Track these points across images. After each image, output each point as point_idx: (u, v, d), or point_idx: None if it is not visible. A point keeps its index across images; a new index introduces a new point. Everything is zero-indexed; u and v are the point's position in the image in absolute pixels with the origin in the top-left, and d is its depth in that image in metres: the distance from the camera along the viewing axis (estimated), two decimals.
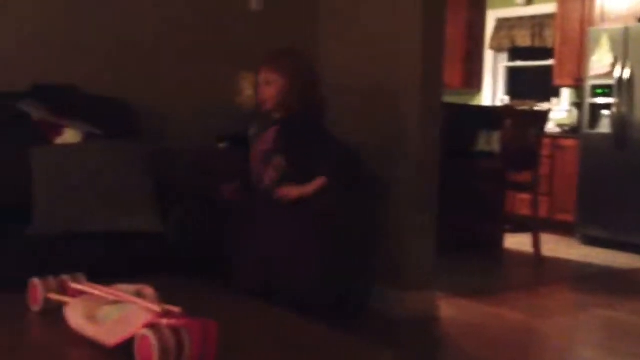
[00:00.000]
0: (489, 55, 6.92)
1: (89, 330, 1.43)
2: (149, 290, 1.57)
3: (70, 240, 2.24)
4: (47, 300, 1.62)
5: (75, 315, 1.47)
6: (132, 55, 3.29)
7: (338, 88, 3.43)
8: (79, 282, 1.65)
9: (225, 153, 3.29)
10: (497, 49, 6.84)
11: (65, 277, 1.68)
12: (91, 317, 1.45)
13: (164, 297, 1.54)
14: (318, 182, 2.43)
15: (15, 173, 2.52)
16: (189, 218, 2.46)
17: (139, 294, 1.55)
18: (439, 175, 3.32)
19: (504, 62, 6.94)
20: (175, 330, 1.32)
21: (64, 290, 1.64)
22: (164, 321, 1.36)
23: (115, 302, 1.50)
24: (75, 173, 2.46)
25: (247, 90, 3.58)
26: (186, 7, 3.47)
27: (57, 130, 2.64)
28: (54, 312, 1.59)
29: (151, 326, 1.33)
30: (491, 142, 4.86)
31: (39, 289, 1.63)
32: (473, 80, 6.89)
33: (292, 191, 2.43)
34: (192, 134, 3.35)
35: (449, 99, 4.35)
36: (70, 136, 2.65)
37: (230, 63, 3.57)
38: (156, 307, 1.41)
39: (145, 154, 2.68)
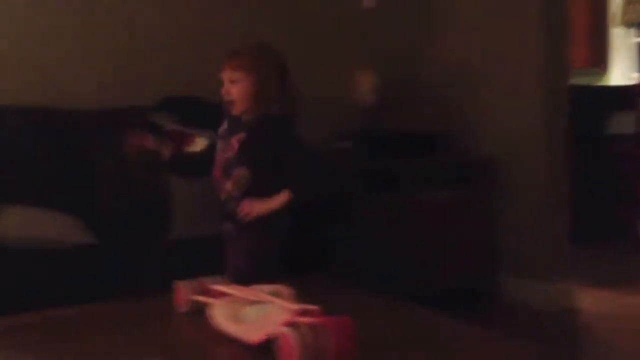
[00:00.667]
0: (616, 31, 6.54)
1: (232, 329, 1.49)
2: (286, 290, 1.61)
3: (207, 243, 2.33)
4: (192, 302, 1.71)
5: (219, 315, 1.54)
6: None
7: (454, 84, 3.39)
8: (219, 284, 1.72)
9: (346, 151, 3.32)
10: (628, 24, 6.45)
11: (206, 279, 1.76)
12: (234, 317, 1.51)
13: (299, 296, 1.59)
14: (282, 198, 2.10)
15: (151, 183, 2.67)
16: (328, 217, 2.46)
17: (276, 294, 1.59)
18: (570, 161, 3.19)
19: (633, 38, 6.54)
20: (314, 328, 1.35)
21: (205, 291, 1.71)
22: (303, 320, 1.39)
23: (255, 302, 1.55)
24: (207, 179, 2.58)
25: (364, 88, 3.60)
26: (300, 8, 3.54)
27: (187, 139, 2.78)
28: (198, 312, 1.67)
29: (291, 325, 1.36)
30: (624, 123, 4.61)
31: (184, 291, 1.72)
32: (599, 57, 6.54)
33: (255, 208, 2.09)
34: (311, 133, 3.40)
35: (574, 80, 4.18)
36: (199, 144, 2.78)
37: (345, 61, 3.61)
38: (295, 306, 1.45)
39: None
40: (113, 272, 2.16)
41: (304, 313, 1.43)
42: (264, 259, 2.10)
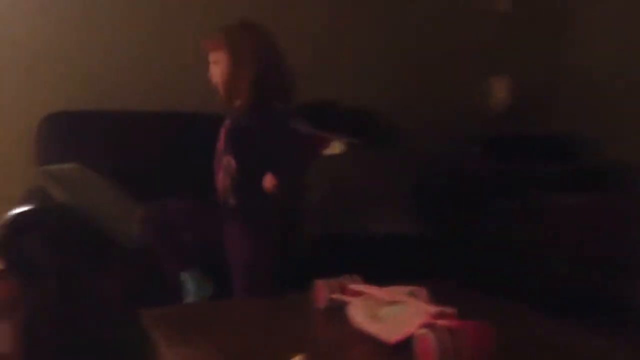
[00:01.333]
0: None
1: (371, 327, 1.55)
2: (422, 292, 1.65)
3: (344, 243, 2.42)
4: (331, 300, 1.78)
5: (358, 314, 1.60)
6: (384, 66, 3.46)
7: (592, 88, 3.28)
8: (356, 283, 1.79)
9: (480, 156, 3.31)
10: None
11: (343, 278, 1.83)
12: (372, 316, 1.57)
13: (433, 298, 1.62)
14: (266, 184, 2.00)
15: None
16: (459, 222, 2.51)
17: (412, 295, 1.64)
18: None
19: None
20: (452, 331, 1.38)
21: (343, 290, 1.79)
22: (440, 322, 1.42)
23: (393, 302, 1.60)
24: (343, 180, 2.68)
25: (499, 93, 3.57)
26: (435, 12, 3.55)
27: (325, 143, 2.89)
28: (336, 310, 1.74)
29: (429, 326, 1.40)
30: None
31: (323, 289, 1.80)
32: None
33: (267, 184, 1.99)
34: (445, 139, 3.42)
35: None
36: (335, 147, 2.88)
37: (479, 66, 3.59)
38: (432, 308, 1.48)
39: (403, 160, 2.82)
40: None
41: (440, 315, 1.46)
42: (265, 255, 2.06)
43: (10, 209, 2.27)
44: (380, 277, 1.81)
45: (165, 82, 3.12)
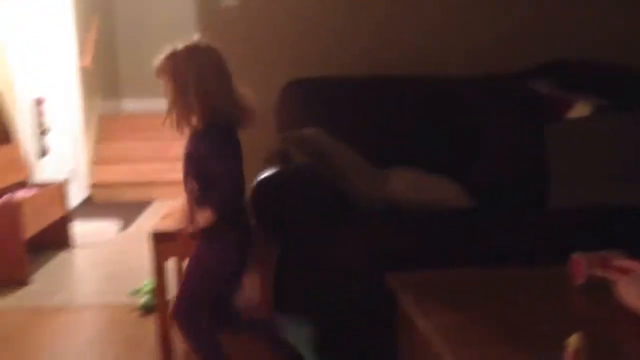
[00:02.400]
0: None
1: None
2: None
3: (586, 215, 2.25)
4: (590, 276, 1.67)
5: (629, 293, 1.48)
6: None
7: None
8: (621, 258, 1.66)
9: None
10: None
11: (604, 253, 1.70)
12: None
13: None
14: (205, 216, 2.00)
15: (529, 151, 2.65)
16: None
17: None
18: None
19: None
20: None
21: (605, 266, 1.66)
22: None
23: None
24: (588, 146, 2.49)
25: None
26: None
27: (567, 105, 2.70)
28: (597, 287, 1.63)
29: None
30: None
31: (582, 264, 1.69)
32: None
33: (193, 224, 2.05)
34: None
35: None
36: (580, 110, 2.68)
37: None
38: None
39: None
40: (489, 238, 2.19)
41: None
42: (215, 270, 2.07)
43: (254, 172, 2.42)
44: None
45: (408, 46, 3.10)
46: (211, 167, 1.98)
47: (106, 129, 6.66)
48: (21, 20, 4.82)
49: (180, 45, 2.00)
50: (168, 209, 3.05)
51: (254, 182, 2.28)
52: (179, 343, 2.33)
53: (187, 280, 2.11)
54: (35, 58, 5.08)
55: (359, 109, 2.75)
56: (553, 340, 1.29)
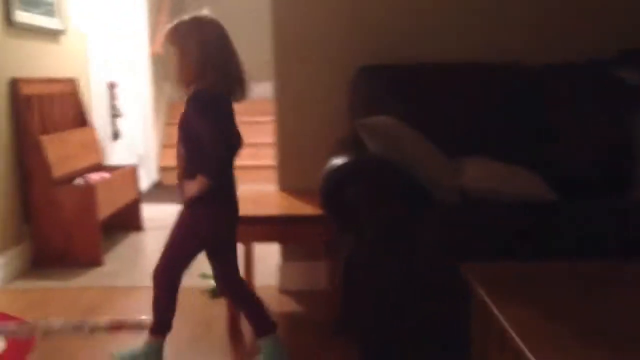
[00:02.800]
0: None
1: None
2: None
3: None
4: None
5: None
6: None
7: None
8: None
9: None
10: None
11: None
12: None
13: None
14: (197, 185, 2.12)
15: (611, 140, 2.56)
16: None
17: None
18: None
19: None
20: None
21: None
22: None
23: None
24: None
25: None
26: None
27: None
28: None
29: None
30: None
31: None
32: None
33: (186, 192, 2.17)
34: None
35: None
36: None
37: None
38: None
39: None
40: (572, 231, 2.13)
41: None
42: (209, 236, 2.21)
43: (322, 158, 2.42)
44: None
45: (484, 33, 3.04)
46: (196, 130, 2.08)
47: (175, 114, 6.80)
48: (97, 8, 4.95)
49: (186, 16, 2.14)
50: (240, 194, 3.08)
51: (325, 169, 2.28)
52: (248, 326, 2.36)
53: (172, 244, 2.25)
54: (109, 44, 5.21)
55: (432, 97, 2.71)
56: (636, 340, 1.25)
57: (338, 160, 2.28)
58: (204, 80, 2.09)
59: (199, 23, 2.12)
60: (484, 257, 1.94)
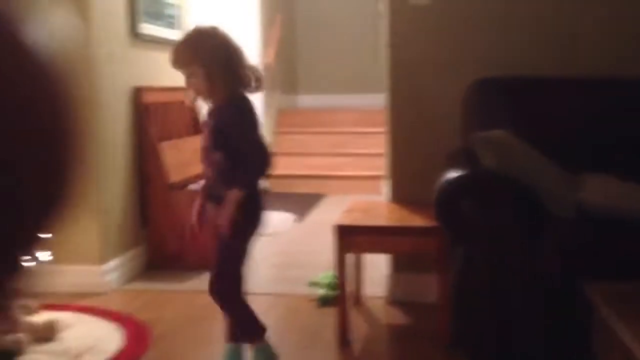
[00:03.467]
0: None
1: None
2: None
3: None
4: None
5: None
6: None
7: None
8: None
9: None
10: None
11: None
12: None
13: None
14: (233, 199, 2.15)
15: None
16: None
17: None
18: None
19: None
20: None
21: None
22: None
23: None
24: None
25: None
26: None
27: None
28: None
29: None
30: None
31: None
32: None
33: (224, 221, 2.17)
34: None
35: None
36: None
37: None
38: None
39: None
40: None
41: None
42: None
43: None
44: None
45: (601, 46, 2.92)
46: (236, 137, 2.15)
47: (283, 122, 6.93)
48: (214, 21, 5.13)
49: (186, 35, 2.25)
50: (351, 203, 3.10)
51: (440, 181, 2.26)
52: (357, 334, 2.36)
53: (224, 257, 2.29)
54: None
55: (547, 111, 2.63)
56: None
57: (453, 173, 2.26)
58: (230, 84, 2.16)
59: (199, 34, 2.21)
60: (602, 274, 1.86)
